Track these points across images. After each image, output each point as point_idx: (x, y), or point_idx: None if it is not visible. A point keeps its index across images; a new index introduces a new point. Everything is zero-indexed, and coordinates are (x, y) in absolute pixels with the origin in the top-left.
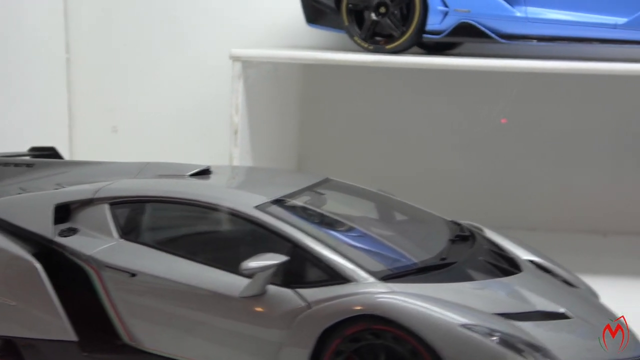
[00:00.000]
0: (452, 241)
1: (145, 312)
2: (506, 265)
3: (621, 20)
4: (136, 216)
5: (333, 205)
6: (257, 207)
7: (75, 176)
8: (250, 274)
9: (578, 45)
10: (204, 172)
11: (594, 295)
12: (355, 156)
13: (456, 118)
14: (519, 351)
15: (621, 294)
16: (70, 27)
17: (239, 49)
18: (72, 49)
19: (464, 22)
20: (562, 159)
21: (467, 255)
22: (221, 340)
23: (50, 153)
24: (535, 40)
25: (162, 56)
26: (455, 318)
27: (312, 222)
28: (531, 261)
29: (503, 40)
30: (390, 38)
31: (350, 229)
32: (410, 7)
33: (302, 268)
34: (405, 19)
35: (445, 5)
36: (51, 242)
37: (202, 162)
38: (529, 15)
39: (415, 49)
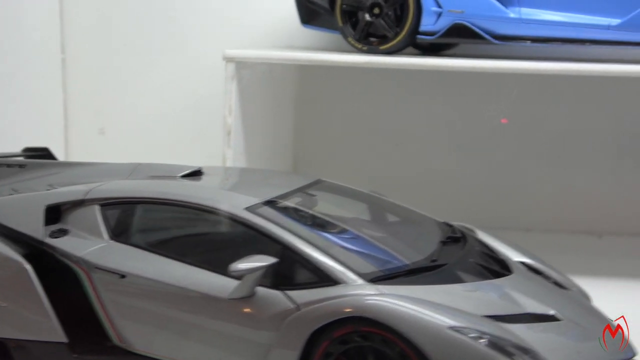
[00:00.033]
0: (443, 243)
1: (135, 313)
2: (497, 267)
3: (615, 21)
4: (127, 217)
5: (324, 206)
6: (248, 209)
7: (68, 177)
8: (239, 276)
9: (572, 47)
10: (196, 174)
11: (585, 297)
12: (351, 157)
13: (452, 119)
14: (507, 354)
15: (616, 295)
16: (66, 27)
17: (233, 50)
18: (67, 49)
19: (457, 23)
20: (557, 160)
21: (457, 257)
22: (210, 341)
23: (43, 154)
24: (529, 42)
25: (158, 56)
26: (443, 320)
27: (303, 223)
28: (522, 263)
29: (497, 42)
30: (384, 39)
31: (341, 231)
32: (404, 8)
33: (291, 270)
34: (399, 19)
35: (439, 6)
36: (42, 243)
37: (196, 163)
38: (523, 17)
39: (410, 49)
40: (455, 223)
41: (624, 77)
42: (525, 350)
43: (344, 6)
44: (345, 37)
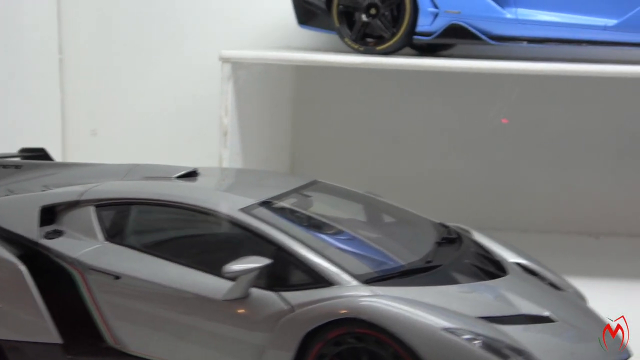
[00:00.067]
0: (439, 244)
1: (130, 314)
2: (492, 268)
3: (611, 22)
4: (121, 218)
5: (320, 207)
6: (242, 210)
7: (63, 178)
8: (233, 277)
9: (568, 47)
10: (191, 174)
11: (581, 298)
12: (349, 157)
13: (448, 119)
14: (501, 355)
15: (612, 296)
16: (64, 28)
17: (229, 50)
18: (65, 50)
19: (454, 24)
20: (554, 161)
21: (452, 258)
22: (205, 342)
23: (40, 154)
24: (525, 42)
25: (156, 57)
26: (437, 322)
27: (297, 224)
28: (518, 264)
29: (493, 42)
30: (380, 39)
31: (336, 232)
32: (400, 8)
33: (285, 271)
34: (396, 20)
35: (436, 7)
36: (36, 244)
37: (193, 164)
38: (519, 17)
39: (407, 50)
40: (450, 224)
41: (620, 78)
42: (519, 352)
43: (341, 7)
44: (341, 37)
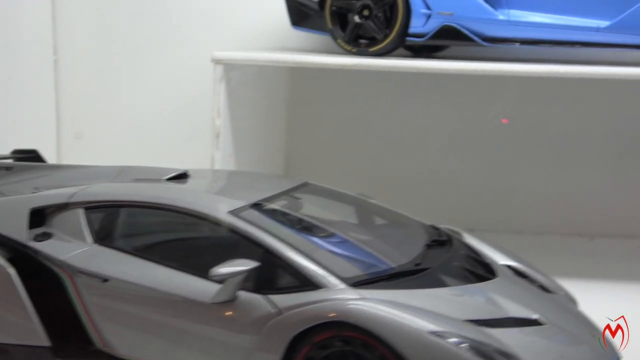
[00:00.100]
0: (429, 246)
1: (118, 317)
2: (481, 271)
3: (603, 23)
4: (111, 221)
5: (310, 209)
6: (231, 212)
7: (54, 180)
8: (220, 280)
9: (561, 48)
10: (181, 176)
11: (571, 301)
12: (344, 159)
13: (443, 121)
14: (489, 358)
15: (606, 297)
16: (59, 29)
17: (221, 52)
18: (60, 51)
19: (447, 25)
20: (550, 162)
21: (442, 260)
22: (192, 345)
23: (32, 156)
24: (518, 43)
25: (151, 58)
26: (424, 325)
27: (286, 227)
28: (508, 266)
29: (486, 44)
30: (373, 41)
31: (325, 234)
32: (393, 10)
33: (273, 274)
34: (389, 21)
35: (428, 8)
36: (25, 246)
37: (187, 165)
38: (512, 19)
39: (402, 51)
40: (442, 226)
41: (615, 80)
42: (507, 355)
43: (334, 8)
44: (334, 38)
